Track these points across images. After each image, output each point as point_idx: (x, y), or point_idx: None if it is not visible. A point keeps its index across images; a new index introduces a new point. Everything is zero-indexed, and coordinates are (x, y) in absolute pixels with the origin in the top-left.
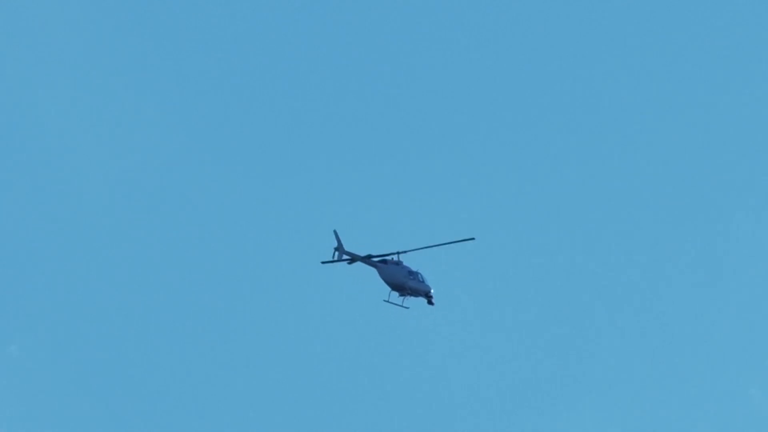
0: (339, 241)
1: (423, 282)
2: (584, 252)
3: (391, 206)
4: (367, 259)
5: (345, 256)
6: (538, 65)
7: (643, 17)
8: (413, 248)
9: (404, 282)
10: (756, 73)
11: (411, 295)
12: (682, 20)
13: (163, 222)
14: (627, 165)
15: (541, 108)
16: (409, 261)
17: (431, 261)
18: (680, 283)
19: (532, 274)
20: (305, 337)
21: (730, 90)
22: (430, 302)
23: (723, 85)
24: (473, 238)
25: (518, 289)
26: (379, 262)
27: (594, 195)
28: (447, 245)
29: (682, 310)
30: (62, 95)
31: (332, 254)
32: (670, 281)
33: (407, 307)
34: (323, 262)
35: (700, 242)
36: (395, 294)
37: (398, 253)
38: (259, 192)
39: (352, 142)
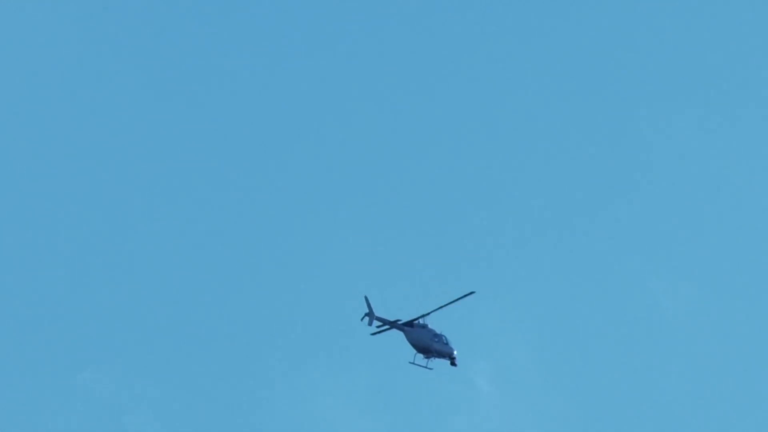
0: (370, 307)
1: (447, 345)
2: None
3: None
4: (395, 324)
5: (376, 322)
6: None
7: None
8: (423, 313)
9: (430, 345)
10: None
11: (435, 357)
12: None
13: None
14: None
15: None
16: (434, 324)
17: (456, 322)
18: (583, 178)
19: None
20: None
21: None
22: (453, 363)
23: None
24: (473, 292)
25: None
26: (406, 325)
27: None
28: (453, 303)
29: (584, 203)
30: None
31: (364, 320)
32: (573, 174)
33: (431, 368)
34: (372, 334)
35: (604, 138)
36: (420, 356)
37: (423, 315)
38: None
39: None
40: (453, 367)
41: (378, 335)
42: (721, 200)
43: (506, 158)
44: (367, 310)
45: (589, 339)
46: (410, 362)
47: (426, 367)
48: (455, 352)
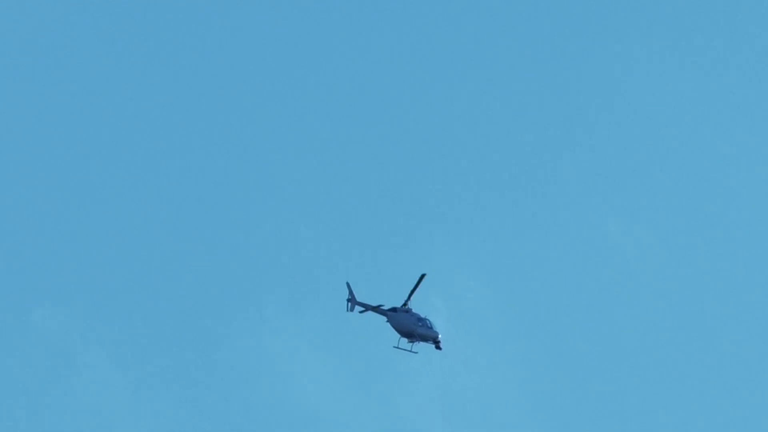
0: (351, 292)
1: (431, 328)
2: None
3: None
4: (377, 309)
5: (358, 307)
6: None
7: None
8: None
9: (413, 329)
10: None
11: (420, 340)
12: None
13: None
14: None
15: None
16: (418, 308)
17: (438, 306)
18: (540, 120)
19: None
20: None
21: None
22: (437, 347)
23: None
24: (425, 274)
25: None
26: (389, 310)
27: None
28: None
29: (541, 146)
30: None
31: (345, 305)
32: (530, 117)
33: (416, 352)
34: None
35: (561, 80)
36: (404, 340)
37: (405, 302)
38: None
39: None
40: (438, 350)
41: (361, 317)
42: (679, 140)
43: (463, 105)
44: (348, 296)
45: (547, 280)
46: (394, 347)
47: (411, 351)
48: (440, 336)
